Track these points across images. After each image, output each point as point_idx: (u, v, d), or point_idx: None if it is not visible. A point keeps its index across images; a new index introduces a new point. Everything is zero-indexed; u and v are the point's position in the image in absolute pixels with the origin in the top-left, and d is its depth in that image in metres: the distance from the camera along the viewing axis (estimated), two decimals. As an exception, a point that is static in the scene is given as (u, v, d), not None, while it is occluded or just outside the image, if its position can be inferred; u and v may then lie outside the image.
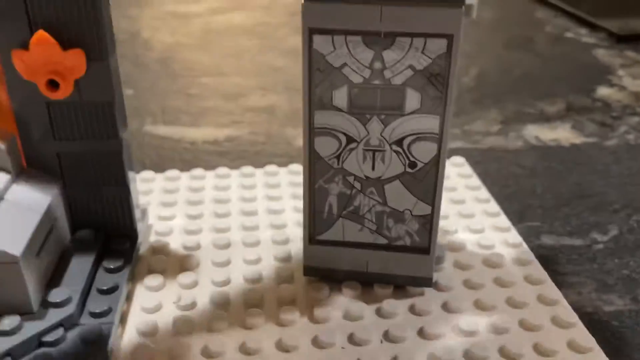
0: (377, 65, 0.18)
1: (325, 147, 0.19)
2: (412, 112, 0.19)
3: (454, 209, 0.28)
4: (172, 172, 0.30)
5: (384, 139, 0.19)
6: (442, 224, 0.26)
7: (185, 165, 0.32)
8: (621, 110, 0.40)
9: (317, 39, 0.18)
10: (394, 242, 0.21)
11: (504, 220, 0.26)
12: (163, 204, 0.28)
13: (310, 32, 0.18)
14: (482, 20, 0.60)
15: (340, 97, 0.19)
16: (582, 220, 0.28)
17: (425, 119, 0.19)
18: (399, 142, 0.19)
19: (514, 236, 0.26)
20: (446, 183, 0.30)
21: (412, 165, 0.19)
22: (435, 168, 0.19)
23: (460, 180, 0.30)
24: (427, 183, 0.20)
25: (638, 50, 0.51)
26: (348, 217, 0.20)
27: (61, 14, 0.20)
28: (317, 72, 0.18)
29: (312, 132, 0.19)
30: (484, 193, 0.29)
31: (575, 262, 0.25)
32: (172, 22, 0.58)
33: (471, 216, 0.27)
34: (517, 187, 0.31)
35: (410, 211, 0.20)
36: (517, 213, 0.28)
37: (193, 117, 0.37)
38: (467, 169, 0.31)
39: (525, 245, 0.25)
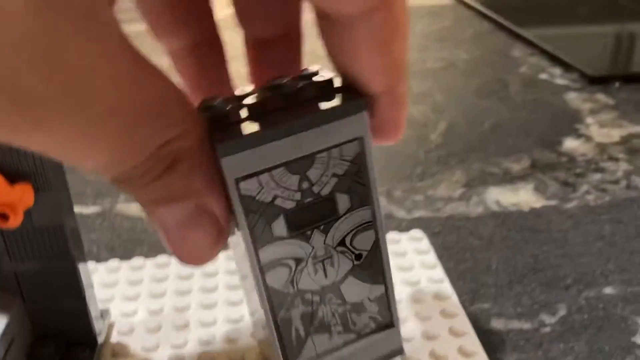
0: (305, 185, 0.19)
1: (278, 279, 0.20)
2: (346, 213, 0.20)
3: (407, 292, 0.29)
4: (138, 261, 0.31)
5: (328, 246, 0.20)
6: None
7: (153, 249, 0.33)
8: (585, 166, 0.40)
9: (244, 185, 0.18)
10: (362, 332, 0.22)
11: (455, 305, 0.27)
12: (126, 297, 0.29)
13: (237, 182, 0.18)
14: (458, 61, 0.61)
15: (279, 227, 0.19)
16: (533, 299, 0.29)
17: (358, 213, 0.20)
18: (342, 243, 0.20)
19: (463, 323, 0.26)
20: (402, 261, 0.31)
21: (358, 257, 0.20)
22: (378, 251, 0.20)
23: (416, 258, 0.31)
24: (375, 267, 0.21)
25: (609, 92, 0.52)
26: (316, 331, 0.21)
27: (6, 150, 0.21)
28: (251, 215, 0.18)
29: (262, 271, 0.19)
30: (439, 272, 0.30)
31: (521, 349, 0.26)
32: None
33: (422, 301, 0.28)
34: (472, 262, 0.31)
35: (368, 297, 0.21)
36: (470, 293, 0.29)
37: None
38: (425, 244, 0.32)
39: (472, 333, 0.26)
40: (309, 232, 0.20)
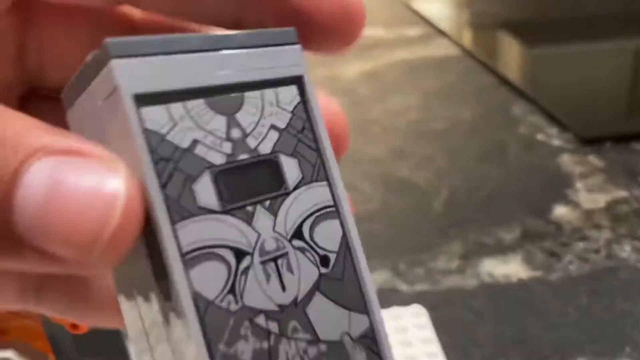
0: (236, 133, 0.13)
1: (210, 280, 0.12)
2: (297, 187, 0.14)
3: (405, 367, 0.33)
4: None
5: (280, 235, 0.14)
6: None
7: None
8: (570, 235, 0.45)
9: (148, 113, 0.12)
10: None
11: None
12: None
13: (137, 104, 0.12)
14: (461, 122, 0.66)
15: (205, 190, 0.13)
16: (514, 371, 0.33)
17: (313, 191, 0.14)
18: (299, 233, 0.14)
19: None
20: (404, 337, 0.35)
21: (324, 261, 0.14)
22: (349, 255, 0.14)
23: (416, 333, 0.36)
24: (349, 280, 0.14)
25: (601, 154, 0.57)
26: None
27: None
28: (162, 162, 0.12)
29: (184, 262, 0.12)
30: (435, 347, 0.35)
31: (501, 419, 0.31)
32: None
33: (418, 376, 0.33)
34: (464, 336, 0.36)
35: (349, 334, 0.14)
36: (460, 365, 0.34)
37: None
38: (424, 320, 0.37)
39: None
40: (249, 208, 0.13)
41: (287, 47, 0.14)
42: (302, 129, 0.14)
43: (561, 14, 1.06)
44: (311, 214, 0.14)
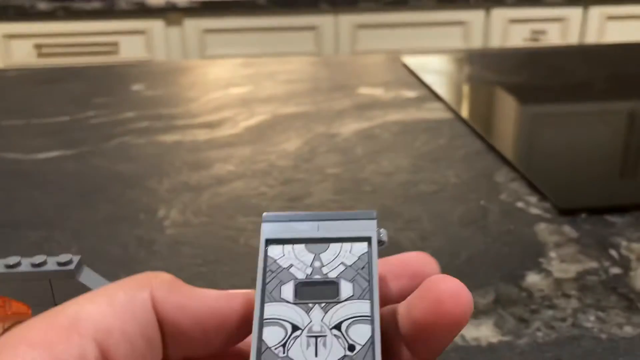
0: (317, 264, 0.23)
1: (273, 336, 0.22)
2: (347, 299, 0.22)
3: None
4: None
5: (325, 324, 0.22)
6: None
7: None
8: (540, 302, 0.48)
9: (271, 248, 0.24)
10: None
11: None
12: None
13: (266, 243, 0.24)
14: (448, 186, 0.70)
15: (287, 290, 0.23)
16: None
17: (358, 304, 0.22)
18: (338, 327, 0.22)
19: None
20: None
21: (351, 348, 0.21)
22: (372, 349, 0.21)
23: None
24: None
25: (576, 225, 0.60)
26: None
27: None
28: (269, 272, 0.23)
29: (261, 323, 0.22)
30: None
31: None
32: (183, 196, 0.69)
33: None
34: (434, 394, 0.39)
35: None
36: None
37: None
38: None
39: None
40: (310, 305, 0.22)
41: (367, 221, 0.24)
42: (362, 267, 0.23)
43: (556, 80, 1.12)
44: (351, 317, 0.22)
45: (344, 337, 0.22)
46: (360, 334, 0.22)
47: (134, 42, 2.29)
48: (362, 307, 0.22)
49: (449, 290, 0.21)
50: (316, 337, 0.21)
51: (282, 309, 0.22)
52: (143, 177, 0.74)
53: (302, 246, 0.23)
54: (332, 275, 0.23)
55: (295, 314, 0.22)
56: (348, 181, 0.72)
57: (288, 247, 0.23)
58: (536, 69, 1.22)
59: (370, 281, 0.23)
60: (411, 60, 1.24)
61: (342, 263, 0.23)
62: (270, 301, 0.22)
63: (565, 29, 2.39)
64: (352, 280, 0.23)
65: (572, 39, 2.40)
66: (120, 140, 0.86)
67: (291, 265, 0.23)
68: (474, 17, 2.35)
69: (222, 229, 0.61)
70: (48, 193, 0.71)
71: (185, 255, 0.57)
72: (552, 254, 0.55)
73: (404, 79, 1.15)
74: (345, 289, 0.22)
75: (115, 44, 2.27)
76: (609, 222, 0.61)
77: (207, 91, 1.11)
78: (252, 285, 0.23)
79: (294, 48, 2.31)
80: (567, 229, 0.59)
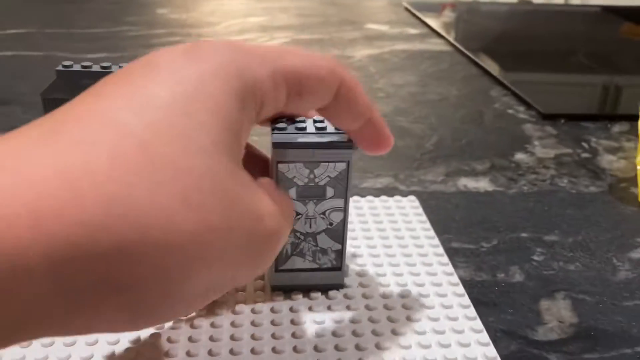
0: (311, 176, 0.33)
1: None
2: (330, 198, 0.34)
3: (408, 237, 0.48)
4: None
5: (316, 212, 0.34)
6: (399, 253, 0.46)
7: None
8: (525, 170, 0.61)
9: (281, 166, 0.33)
10: (322, 266, 0.36)
11: (436, 242, 0.47)
12: None
13: (277, 162, 0.32)
14: (450, 96, 0.82)
15: (292, 193, 0.33)
16: (476, 235, 0.49)
17: (336, 200, 0.34)
18: (324, 213, 0.34)
19: (445, 260, 0.46)
20: (403, 216, 0.50)
21: (330, 224, 0.35)
22: (342, 224, 0.35)
23: (411, 211, 0.51)
24: (338, 233, 0.35)
25: (555, 126, 0.73)
26: (296, 255, 0.36)
27: None
28: (281, 181, 0.33)
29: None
30: (423, 218, 0.50)
31: (465, 261, 0.46)
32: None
33: (417, 238, 0.48)
34: (444, 216, 0.51)
35: (331, 248, 0.36)
36: (441, 231, 0.49)
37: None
38: (417, 204, 0.52)
39: (444, 257, 0.45)
40: (307, 201, 0.34)
41: (346, 150, 0.33)
42: (342, 178, 0.33)
43: (538, 47, 1.23)
44: (331, 208, 0.34)
45: (327, 218, 0.35)
46: (336, 217, 0.35)
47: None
48: (339, 202, 0.34)
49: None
50: (311, 218, 0.34)
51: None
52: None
53: (301, 164, 0.32)
54: (321, 183, 0.33)
55: (297, 206, 0.34)
56: (366, 90, 0.83)
57: (292, 165, 0.32)
58: (524, 18, 1.34)
59: (346, 187, 0.34)
60: (412, 5, 1.35)
61: (328, 176, 0.33)
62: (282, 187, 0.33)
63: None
64: (333, 186, 0.33)
65: None
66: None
67: (294, 177, 0.33)
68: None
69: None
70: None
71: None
72: (536, 143, 0.68)
73: (407, 20, 1.26)
74: (329, 191, 0.34)
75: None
76: (583, 127, 0.73)
77: (227, 18, 1.21)
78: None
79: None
80: (549, 128, 0.72)
